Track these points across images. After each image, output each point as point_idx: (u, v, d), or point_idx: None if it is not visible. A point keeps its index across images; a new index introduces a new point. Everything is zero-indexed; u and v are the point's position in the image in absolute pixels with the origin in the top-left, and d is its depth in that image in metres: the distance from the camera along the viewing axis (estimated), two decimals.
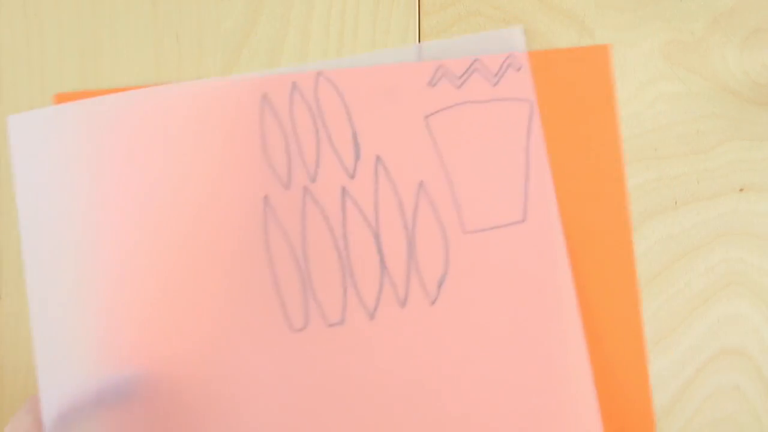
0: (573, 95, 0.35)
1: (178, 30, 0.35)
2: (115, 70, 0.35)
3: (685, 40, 0.36)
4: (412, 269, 0.34)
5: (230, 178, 0.34)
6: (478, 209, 0.35)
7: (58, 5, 0.35)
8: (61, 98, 0.34)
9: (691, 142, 0.36)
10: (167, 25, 0.35)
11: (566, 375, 0.34)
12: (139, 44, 0.35)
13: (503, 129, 0.35)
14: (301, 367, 0.34)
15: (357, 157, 0.35)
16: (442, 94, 0.35)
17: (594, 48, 0.35)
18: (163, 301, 0.34)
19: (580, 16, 0.36)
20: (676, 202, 0.36)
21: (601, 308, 0.34)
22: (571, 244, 0.34)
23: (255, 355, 0.34)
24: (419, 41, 0.36)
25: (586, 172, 0.35)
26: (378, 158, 0.34)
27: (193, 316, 0.34)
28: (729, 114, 0.36)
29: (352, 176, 0.35)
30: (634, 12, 0.36)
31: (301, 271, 0.34)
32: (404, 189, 0.35)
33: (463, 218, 0.34)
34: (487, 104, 0.35)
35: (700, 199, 0.36)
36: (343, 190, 0.35)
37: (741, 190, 0.36)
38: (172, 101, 0.34)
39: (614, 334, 0.34)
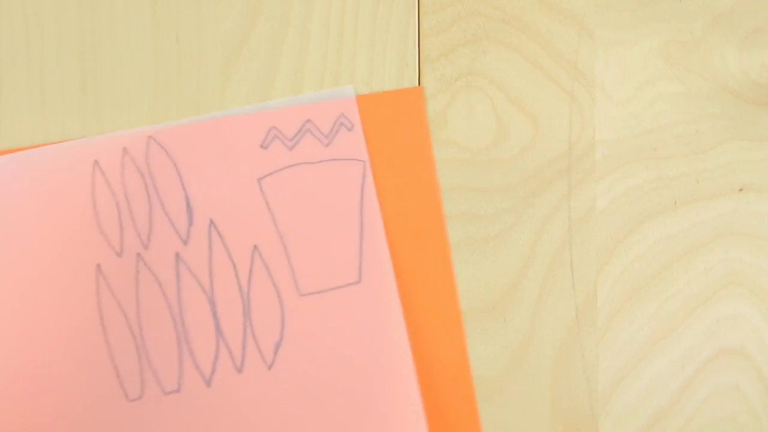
0: (391, 138, 0.35)
1: (177, 30, 0.35)
2: (115, 71, 0.35)
3: (685, 40, 0.36)
4: (248, 334, 0.34)
5: (62, 246, 0.34)
6: (313, 271, 0.35)
7: (57, 5, 0.35)
8: None
9: (690, 142, 0.36)
10: (167, 25, 0.35)
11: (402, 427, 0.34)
12: (139, 44, 0.35)
13: (336, 190, 0.35)
14: None
15: (190, 222, 0.35)
16: (275, 156, 0.35)
17: (406, 91, 0.35)
18: None
19: (579, 16, 0.36)
20: (675, 202, 0.36)
21: (433, 361, 0.35)
22: (401, 298, 0.35)
23: (92, 427, 0.34)
24: (419, 41, 0.36)
25: (406, 218, 0.35)
26: (211, 222, 0.34)
27: (28, 389, 0.34)
28: (728, 114, 0.36)
29: (186, 242, 0.34)
30: (633, 12, 0.36)
31: (136, 339, 0.34)
32: (238, 253, 0.35)
33: (298, 281, 0.35)
34: (319, 165, 0.35)
35: (700, 199, 0.36)
36: (177, 256, 0.34)
37: (740, 190, 0.36)
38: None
39: (447, 387, 0.35)
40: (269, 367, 0.35)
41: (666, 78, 0.36)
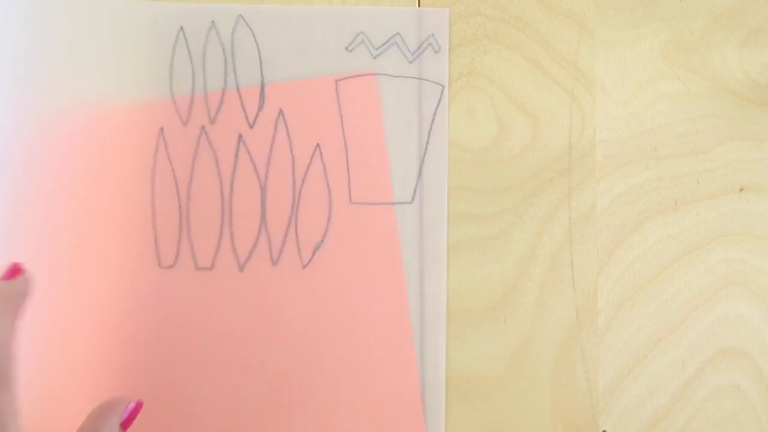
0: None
1: None
2: None
3: (685, 40, 0.36)
4: (290, 230, 0.35)
5: (132, 99, 0.34)
6: (369, 182, 0.35)
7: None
8: None
9: (691, 142, 0.36)
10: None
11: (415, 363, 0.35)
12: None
13: (410, 108, 0.35)
14: (165, 304, 0.34)
15: (260, 107, 0.35)
16: (358, 61, 0.35)
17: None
18: (41, 215, 0.34)
19: (580, 16, 0.36)
20: (675, 202, 0.36)
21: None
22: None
23: (118, 284, 0.34)
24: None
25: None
26: (281, 112, 0.35)
27: (65, 229, 0.34)
28: (729, 114, 0.36)
29: (252, 125, 0.35)
30: (633, 12, 0.36)
31: (182, 209, 0.34)
32: (300, 148, 0.35)
33: (351, 188, 0.35)
34: (399, 80, 0.35)
35: (700, 199, 0.36)
36: (240, 138, 0.35)
37: (741, 190, 0.36)
38: (85, 10, 0.35)
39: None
40: (304, 266, 0.35)
41: (666, 78, 0.36)
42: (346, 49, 0.35)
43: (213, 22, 0.35)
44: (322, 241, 0.35)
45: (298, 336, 0.34)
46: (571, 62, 0.36)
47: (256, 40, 0.35)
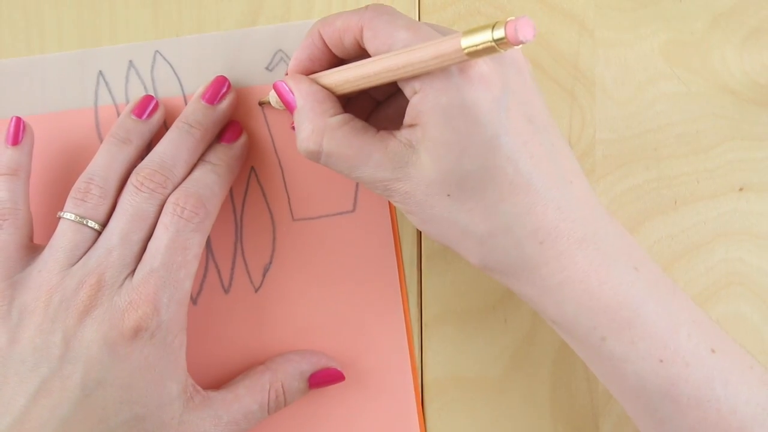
0: None
1: (178, 30, 0.35)
2: None
3: (685, 40, 0.36)
4: (237, 256, 0.34)
5: (62, 154, 0.35)
6: (308, 197, 0.35)
7: (58, 5, 0.35)
8: None
9: (691, 142, 0.36)
10: (167, 25, 0.35)
11: (388, 359, 0.35)
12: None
13: None
14: None
15: None
16: (279, 78, 0.35)
17: None
18: None
19: (580, 16, 0.36)
20: (676, 202, 0.36)
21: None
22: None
23: None
24: None
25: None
26: None
27: None
28: (729, 114, 0.36)
29: None
30: (634, 12, 0.36)
31: None
32: None
33: (292, 206, 0.35)
34: None
35: (700, 199, 0.36)
36: None
37: (741, 189, 0.36)
38: (8, 74, 0.35)
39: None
40: (256, 290, 0.35)
41: (666, 78, 0.36)
42: (267, 68, 0.35)
43: (131, 61, 0.35)
44: (271, 262, 0.35)
45: (264, 353, 0.35)
46: (571, 62, 0.36)
47: (176, 74, 0.35)
